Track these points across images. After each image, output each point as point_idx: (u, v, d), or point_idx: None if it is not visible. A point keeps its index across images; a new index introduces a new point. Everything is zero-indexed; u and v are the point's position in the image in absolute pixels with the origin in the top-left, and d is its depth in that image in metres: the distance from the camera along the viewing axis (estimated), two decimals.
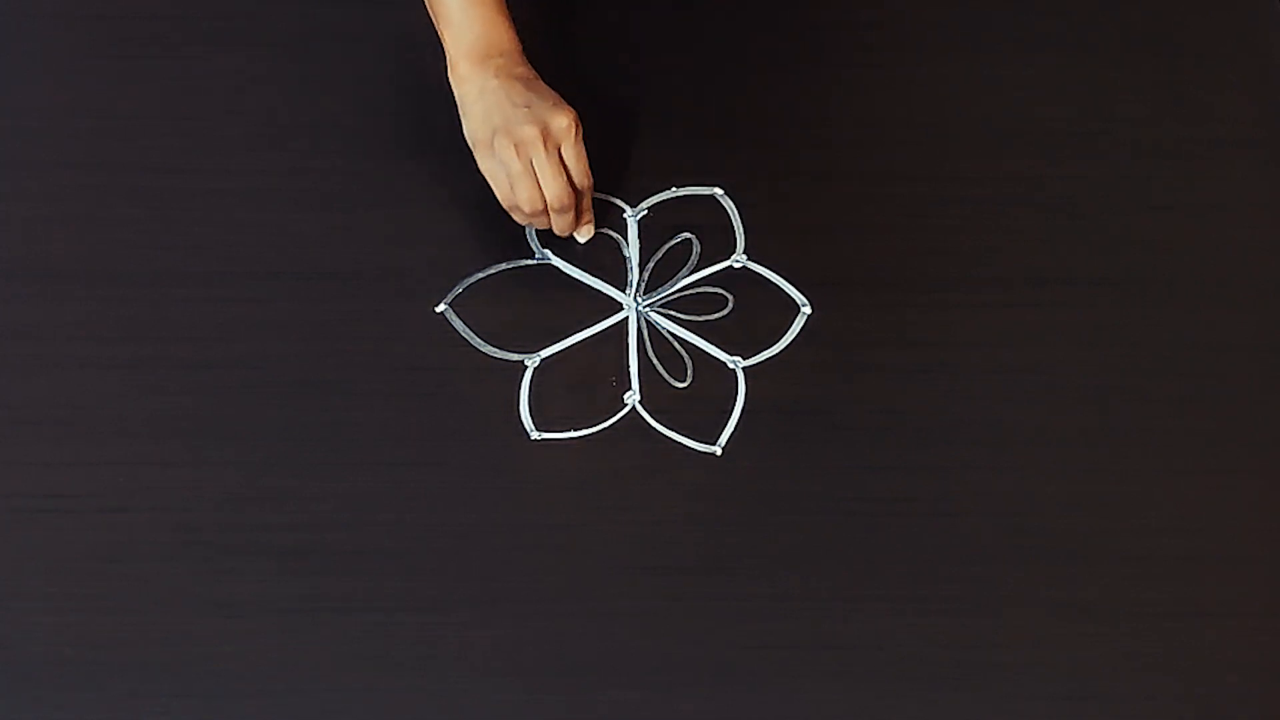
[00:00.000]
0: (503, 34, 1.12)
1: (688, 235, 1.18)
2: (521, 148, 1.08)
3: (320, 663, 1.04)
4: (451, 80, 1.13)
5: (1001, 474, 1.10)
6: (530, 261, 1.17)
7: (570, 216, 1.12)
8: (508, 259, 1.17)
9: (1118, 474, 1.11)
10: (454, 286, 1.15)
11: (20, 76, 1.22)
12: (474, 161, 1.11)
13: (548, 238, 1.16)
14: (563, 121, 1.09)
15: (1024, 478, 1.10)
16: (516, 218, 1.13)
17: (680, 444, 1.11)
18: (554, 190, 1.09)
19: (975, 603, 1.06)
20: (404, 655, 1.04)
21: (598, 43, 1.12)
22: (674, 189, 1.20)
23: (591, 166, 1.11)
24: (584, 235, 1.16)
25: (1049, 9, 1.28)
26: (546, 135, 1.08)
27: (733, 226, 1.18)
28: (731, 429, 1.11)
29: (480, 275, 1.16)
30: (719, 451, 1.11)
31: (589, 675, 1.04)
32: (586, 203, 1.14)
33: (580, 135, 1.10)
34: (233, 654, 1.04)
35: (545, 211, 1.11)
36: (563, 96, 1.11)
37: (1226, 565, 1.08)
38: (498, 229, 1.17)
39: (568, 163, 1.10)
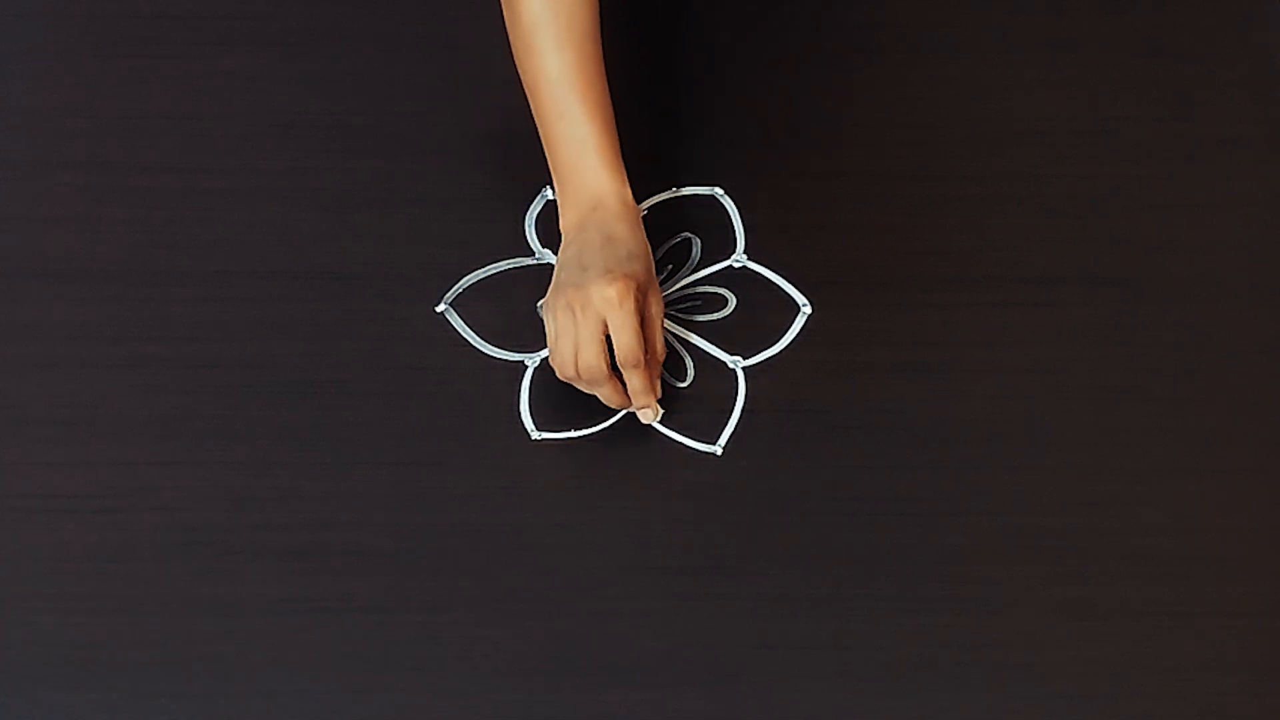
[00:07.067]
0: (604, 185, 1.07)
1: (688, 235, 1.18)
2: (562, 313, 1.05)
3: (320, 663, 1.04)
4: (560, 223, 1.10)
5: (1001, 474, 1.10)
6: (530, 261, 1.17)
7: (607, 390, 1.06)
8: (508, 259, 1.17)
9: (1118, 474, 1.11)
10: (454, 286, 1.15)
11: (20, 76, 1.22)
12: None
13: (550, 238, 1.16)
14: (607, 291, 1.02)
15: (1024, 478, 1.10)
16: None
17: (680, 444, 1.11)
18: (585, 360, 1.04)
19: (975, 603, 1.06)
20: (404, 655, 1.04)
21: None
22: (674, 189, 1.20)
23: None
24: (644, 417, 1.08)
25: (1049, 10, 1.28)
26: (586, 304, 1.03)
27: (733, 226, 1.18)
28: (731, 429, 1.11)
29: (480, 275, 1.16)
30: (719, 451, 1.11)
31: (589, 675, 1.04)
32: (636, 383, 1.06)
33: (629, 306, 1.03)
34: (233, 654, 1.04)
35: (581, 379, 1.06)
36: None
37: (1226, 565, 1.08)
38: (498, 229, 1.17)
39: (611, 335, 1.04)
